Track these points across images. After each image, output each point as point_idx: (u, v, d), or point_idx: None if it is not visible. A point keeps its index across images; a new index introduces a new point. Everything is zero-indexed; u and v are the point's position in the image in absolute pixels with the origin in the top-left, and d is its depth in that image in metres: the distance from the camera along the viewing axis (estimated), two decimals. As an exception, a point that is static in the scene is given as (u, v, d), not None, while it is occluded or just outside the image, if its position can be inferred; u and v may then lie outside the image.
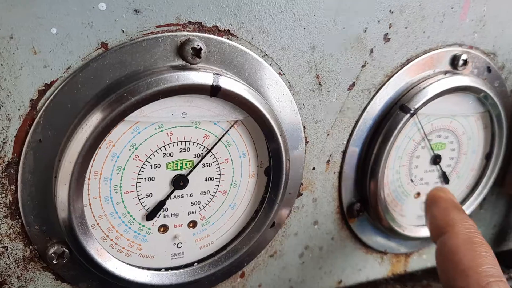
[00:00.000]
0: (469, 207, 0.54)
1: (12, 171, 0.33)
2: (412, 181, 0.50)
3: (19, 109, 0.32)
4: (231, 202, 0.41)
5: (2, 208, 0.33)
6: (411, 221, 0.52)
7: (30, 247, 0.35)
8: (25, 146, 0.32)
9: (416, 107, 0.45)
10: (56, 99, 0.32)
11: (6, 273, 0.35)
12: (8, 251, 0.35)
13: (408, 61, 0.45)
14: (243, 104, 0.36)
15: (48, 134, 0.33)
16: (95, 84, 0.33)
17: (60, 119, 0.33)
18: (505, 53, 0.51)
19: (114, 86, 0.33)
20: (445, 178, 0.51)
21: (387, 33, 0.43)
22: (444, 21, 0.45)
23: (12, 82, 0.31)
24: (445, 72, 0.47)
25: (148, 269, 0.39)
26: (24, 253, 0.35)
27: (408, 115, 0.44)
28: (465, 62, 0.48)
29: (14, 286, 0.36)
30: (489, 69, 0.50)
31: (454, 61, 0.48)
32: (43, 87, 0.32)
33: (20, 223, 0.34)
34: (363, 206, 0.48)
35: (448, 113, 0.49)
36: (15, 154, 0.33)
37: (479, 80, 0.48)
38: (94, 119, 0.32)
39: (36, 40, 0.31)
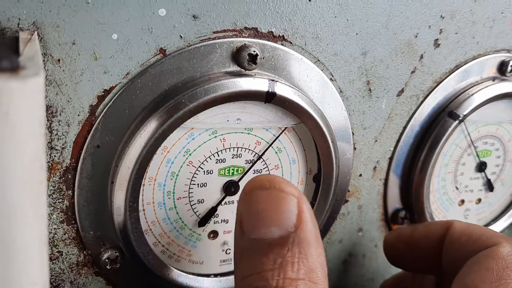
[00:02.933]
0: (512, 215, 0.54)
1: (69, 176, 0.33)
2: (457, 188, 0.49)
3: (78, 115, 0.32)
4: (280, 208, 0.40)
5: (58, 214, 0.33)
6: (455, 229, 0.51)
7: (84, 252, 0.35)
8: (83, 151, 0.33)
9: (464, 113, 0.44)
10: (115, 105, 0.32)
11: (60, 278, 0.35)
12: (63, 256, 0.35)
13: (457, 67, 0.44)
14: (296, 111, 0.36)
15: (106, 139, 0.33)
16: (153, 90, 0.33)
17: (118, 124, 0.33)
18: (553, 59, 0.50)
19: (172, 92, 0.33)
20: (489, 186, 0.51)
21: (438, 39, 0.42)
22: (494, 26, 0.45)
23: (72, 87, 0.31)
24: (493, 78, 0.47)
25: (198, 275, 0.39)
26: (78, 258, 0.35)
27: (457, 121, 0.44)
28: (514, 68, 0.47)
29: (67, 290, 0.36)
30: (537, 75, 0.49)
31: (502, 67, 0.47)
32: (103, 93, 0.32)
33: (75, 229, 0.34)
34: (408, 213, 0.47)
35: (495, 119, 0.48)
36: (73, 160, 0.33)
37: (528, 87, 0.48)
38: (152, 125, 0.32)
39: (97, 46, 0.31)
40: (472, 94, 0.45)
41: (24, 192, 0.20)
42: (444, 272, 0.37)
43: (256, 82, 0.34)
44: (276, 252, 0.27)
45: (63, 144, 0.32)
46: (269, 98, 0.35)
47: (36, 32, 0.29)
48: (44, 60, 0.30)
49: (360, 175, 0.44)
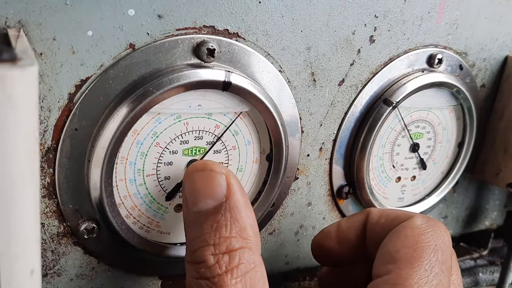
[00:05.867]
0: (443, 190, 0.61)
1: (51, 156, 0.37)
2: (393, 166, 0.56)
3: (58, 102, 0.36)
4: (237, 184, 0.46)
5: (41, 189, 0.38)
6: (393, 202, 0.58)
7: (64, 224, 0.40)
8: (63, 134, 0.37)
9: (397, 100, 0.51)
10: (91, 92, 0.37)
11: (42, 247, 0.40)
12: (45, 227, 0.39)
13: (391, 60, 0.51)
14: (250, 98, 0.42)
15: (83, 123, 0.37)
16: (124, 79, 0.38)
17: (93, 110, 0.37)
18: (475, 53, 0.58)
19: (140, 81, 0.38)
20: (422, 164, 0.58)
21: (373, 35, 0.48)
22: (422, 25, 0.51)
23: (53, 78, 0.36)
24: (423, 70, 0.53)
25: (166, 243, 0.44)
26: (58, 229, 0.40)
27: (391, 107, 0.50)
28: (440, 61, 0.54)
29: (49, 259, 0.40)
30: (461, 67, 0.57)
31: (431, 60, 0.54)
32: (80, 82, 0.37)
33: (56, 203, 0.39)
34: (351, 188, 0.54)
35: (425, 106, 0.55)
36: (54, 141, 0.37)
37: (452, 77, 0.55)
38: (124, 110, 0.37)
39: (75, 41, 0.35)
40: (404, 84, 0.52)
41: (23, 160, 0.25)
42: (370, 255, 0.41)
43: (214, 73, 0.39)
44: (212, 219, 0.34)
45: (45, 128, 0.37)
46: (225, 86, 0.40)
47: (22, 29, 0.33)
48: (28, 54, 0.34)
49: (308, 155, 0.50)
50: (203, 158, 0.43)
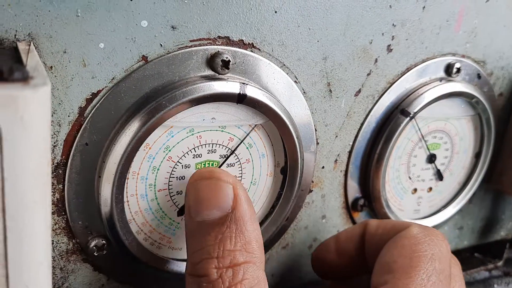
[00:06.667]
0: (460, 202, 0.59)
1: (60, 171, 0.36)
2: (410, 178, 0.55)
3: (68, 116, 0.35)
4: (251, 198, 0.45)
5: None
6: (409, 215, 0.56)
7: (73, 240, 0.39)
8: (73, 149, 0.36)
9: (415, 111, 0.49)
10: (102, 106, 0.36)
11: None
12: (54, 244, 0.38)
13: (408, 69, 0.50)
14: (265, 110, 0.40)
15: (93, 138, 0.36)
16: (136, 93, 0.36)
17: (104, 124, 0.36)
18: (493, 61, 0.56)
19: (153, 94, 0.37)
20: (439, 176, 0.56)
21: (390, 44, 0.47)
22: (440, 33, 0.50)
23: (63, 91, 0.34)
24: (441, 79, 0.52)
25: (177, 260, 0.42)
26: (67, 247, 0.39)
27: (408, 118, 0.49)
28: (458, 70, 0.52)
29: (57, 276, 0.39)
30: (479, 76, 0.55)
31: (449, 69, 0.52)
32: (91, 96, 0.35)
33: (65, 219, 0.38)
34: (366, 201, 0.52)
35: (443, 116, 0.54)
36: (64, 156, 0.36)
37: (471, 86, 0.53)
38: (135, 124, 0.36)
39: (86, 54, 0.34)
40: (422, 94, 0.50)
41: (34, 184, 0.24)
42: (370, 266, 0.41)
43: (228, 85, 0.38)
44: (216, 230, 0.33)
45: (54, 143, 0.35)
46: (240, 99, 0.39)
47: (32, 43, 0.32)
48: (37, 67, 0.33)
49: (323, 167, 0.49)
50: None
